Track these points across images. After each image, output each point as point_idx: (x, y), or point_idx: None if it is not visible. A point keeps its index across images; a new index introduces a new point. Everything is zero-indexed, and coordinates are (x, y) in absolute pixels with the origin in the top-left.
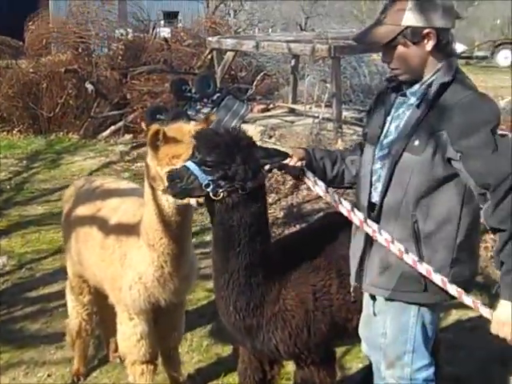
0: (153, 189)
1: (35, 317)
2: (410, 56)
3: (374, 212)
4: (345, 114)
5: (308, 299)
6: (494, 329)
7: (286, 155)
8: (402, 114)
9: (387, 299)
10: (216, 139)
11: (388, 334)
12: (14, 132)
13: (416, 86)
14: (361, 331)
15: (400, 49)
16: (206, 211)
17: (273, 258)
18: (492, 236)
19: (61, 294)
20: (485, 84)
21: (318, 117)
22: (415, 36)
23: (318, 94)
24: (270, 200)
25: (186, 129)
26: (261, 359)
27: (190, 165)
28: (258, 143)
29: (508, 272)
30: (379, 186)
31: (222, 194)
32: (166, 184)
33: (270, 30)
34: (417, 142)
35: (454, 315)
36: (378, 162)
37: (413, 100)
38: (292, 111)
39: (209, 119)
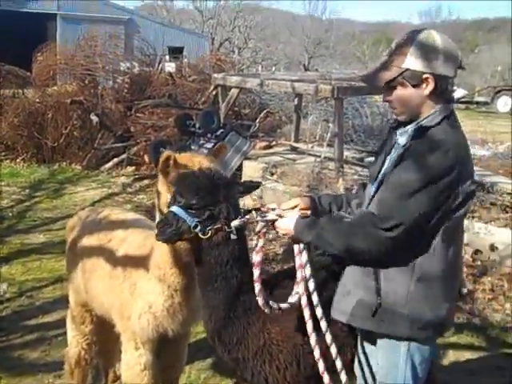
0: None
1: (34, 345)
2: (408, 97)
3: None
4: (346, 153)
5: (295, 333)
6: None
7: (258, 184)
8: (394, 155)
9: (375, 334)
10: (197, 182)
11: (379, 373)
12: (18, 160)
13: (407, 128)
14: (356, 369)
15: (399, 89)
16: None
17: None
18: (490, 279)
19: (60, 323)
20: (484, 129)
21: (319, 156)
22: (414, 79)
23: (320, 133)
24: (270, 236)
25: (195, 157)
26: None
27: (177, 210)
28: (260, 180)
29: (317, 229)
30: None
31: (210, 233)
32: (156, 231)
33: (274, 68)
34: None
35: (452, 356)
36: (367, 199)
37: (401, 140)
38: (294, 149)
39: (221, 149)
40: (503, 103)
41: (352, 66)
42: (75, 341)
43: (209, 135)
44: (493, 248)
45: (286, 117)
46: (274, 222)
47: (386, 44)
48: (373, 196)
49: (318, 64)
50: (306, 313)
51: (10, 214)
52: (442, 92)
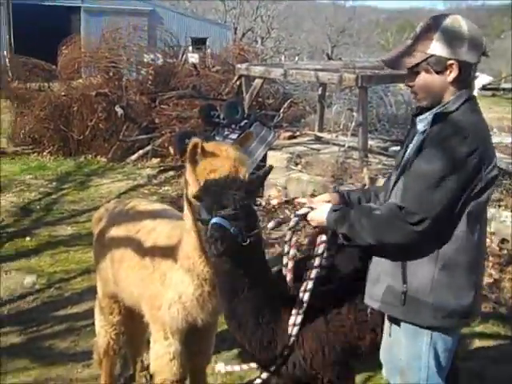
0: (191, 205)
1: (64, 335)
2: (432, 83)
3: None
4: (370, 143)
5: (319, 324)
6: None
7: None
8: (414, 142)
9: (401, 321)
10: (230, 193)
11: (403, 360)
12: (45, 153)
13: (426, 114)
14: (382, 355)
15: (423, 75)
16: None
17: (277, 294)
18: None
19: (88, 314)
20: (511, 116)
21: (343, 145)
22: (438, 65)
23: (344, 122)
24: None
25: (222, 145)
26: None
27: (220, 221)
28: (284, 170)
29: (349, 221)
30: None
31: (249, 240)
32: (209, 248)
33: (297, 57)
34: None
35: (477, 344)
36: (391, 185)
37: (420, 126)
38: (318, 139)
39: (248, 137)
40: None
41: (376, 54)
42: (103, 331)
43: (233, 126)
44: None
45: (310, 107)
46: (306, 215)
47: (410, 31)
48: (395, 183)
49: (341, 53)
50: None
51: (38, 207)
52: (465, 79)
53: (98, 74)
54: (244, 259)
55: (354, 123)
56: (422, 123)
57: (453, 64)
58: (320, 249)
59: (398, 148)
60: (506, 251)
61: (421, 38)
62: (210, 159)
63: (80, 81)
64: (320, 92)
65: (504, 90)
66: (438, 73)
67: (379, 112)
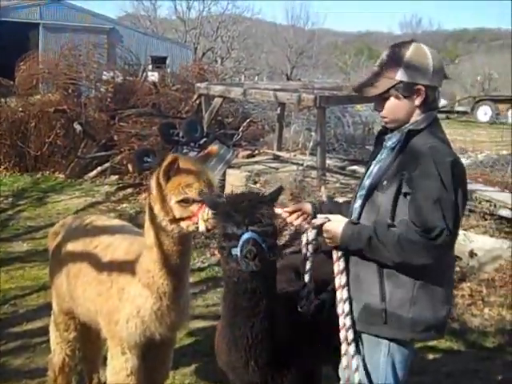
0: (153, 221)
1: (18, 352)
2: (400, 108)
3: None
4: (328, 162)
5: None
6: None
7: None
8: (382, 158)
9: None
10: (262, 208)
11: (361, 371)
12: (0, 169)
13: (395, 132)
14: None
15: (392, 100)
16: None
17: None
18: (469, 284)
19: (44, 331)
20: (463, 138)
21: (302, 164)
22: (407, 90)
23: (302, 141)
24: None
25: (192, 161)
26: None
27: (256, 236)
28: (243, 188)
29: (368, 237)
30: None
31: (275, 255)
32: (247, 263)
33: (257, 77)
34: (385, 182)
35: (431, 358)
36: (358, 201)
37: (389, 143)
38: (277, 158)
39: (212, 152)
40: (483, 113)
41: (334, 76)
42: (59, 348)
43: (192, 144)
44: (472, 254)
45: (269, 126)
46: (322, 224)
47: (367, 54)
48: (368, 197)
49: (300, 74)
50: (343, 321)
51: None
52: (430, 101)
53: (56, 90)
54: (266, 277)
55: (312, 142)
56: (391, 140)
57: (420, 89)
58: (341, 264)
59: (356, 167)
60: (458, 268)
61: (388, 66)
62: (182, 174)
63: (38, 97)
64: (279, 112)
65: (458, 112)
66: (406, 97)
67: (337, 132)
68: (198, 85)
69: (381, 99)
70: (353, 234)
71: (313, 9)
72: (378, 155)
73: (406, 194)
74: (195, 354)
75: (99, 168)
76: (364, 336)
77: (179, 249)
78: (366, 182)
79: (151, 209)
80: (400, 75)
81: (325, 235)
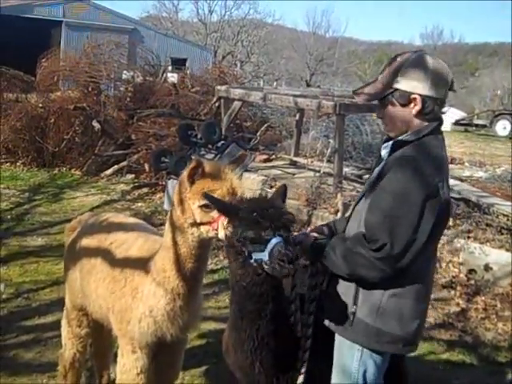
0: (173, 223)
1: (29, 345)
2: (397, 115)
3: None
4: (345, 170)
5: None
6: None
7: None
8: (379, 167)
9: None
10: (288, 216)
11: (334, 374)
12: (18, 164)
13: (389, 142)
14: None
15: (389, 107)
16: None
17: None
18: (483, 298)
19: (55, 325)
20: (482, 151)
21: (319, 171)
22: (402, 99)
23: (320, 148)
24: None
25: (220, 166)
26: None
27: (283, 242)
28: (259, 192)
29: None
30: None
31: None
32: (281, 267)
33: (275, 83)
34: (369, 191)
35: (443, 371)
36: (351, 208)
37: (383, 153)
38: (293, 163)
39: (243, 157)
40: (502, 127)
41: (353, 84)
42: (70, 343)
43: (210, 146)
44: (487, 268)
45: (287, 131)
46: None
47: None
48: (355, 205)
49: (319, 81)
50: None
51: (9, 217)
52: (429, 112)
53: (76, 87)
54: (275, 281)
55: (329, 149)
56: (385, 150)
57: (416, 98)
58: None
59: None
60: (473, 281)
61: (387, 73)
62: (207, 179)
63: (58, 94)
64: (297, 118)
65: (477, 125)
66: (402, 105)
67: (355, 140)
68: (218, 87)
69: (381, 106)
70: (315, 248)
71: (335, 16)
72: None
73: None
74: (205, 355)
75: (116, 166)
76: (338, 337)
77: (197, 253)
78: (362, 191)
79: (172, 211)
80: (396, 83)
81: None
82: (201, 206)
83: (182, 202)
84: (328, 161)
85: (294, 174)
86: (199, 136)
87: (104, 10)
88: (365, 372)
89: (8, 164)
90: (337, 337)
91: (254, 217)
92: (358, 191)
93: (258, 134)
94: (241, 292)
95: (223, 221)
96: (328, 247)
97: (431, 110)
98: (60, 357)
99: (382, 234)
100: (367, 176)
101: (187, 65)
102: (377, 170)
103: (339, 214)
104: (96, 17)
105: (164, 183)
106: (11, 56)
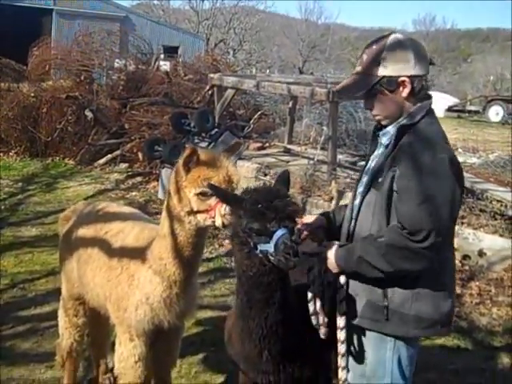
0: (170, 211)
1: (26, 336)
2: (388, 103)
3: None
4: (339, 157)
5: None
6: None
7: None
8: (379, 153)
9: (366, 329)
10: (293, 207)
11: (368, 366)
12: (11, 154)
13: (388, 128)
14: (350, 365)
15: (378, 97)
16: None
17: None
18: (477, 283)
19: (52, 315)
20: (475, 137)
21: (312, 158)
22: (391, 85)
23: (313, 136)
24: None
25: (214, 154)
26: None
27: (288, 233)
28: (253, 180)
29: (356, 255)
30: (353, 220)
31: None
32: (287, 259)
33: (268, 70)
34: (380, 179)
35: (438, 356)
36: (358, 198)
37: (383, 140)
38: (287, 151)
39: (237, 146)
40: (495, 113)
41: (346, 71)
42: (67, 332)
43: (203, 134)
44: (481, 254)
45: (280, 119)
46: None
47: None
48: (363, 197)
49: (312, 68)
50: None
51: (3, 207)
52: (418, 91)
53: (68, 76)
54: (282, 270)
55: (323, 137)
56: (386, 136)
57: (404, 81)
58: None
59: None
60: (467, 267)
61: (369, 63)
62: (203, 167)
63: (50, 83)
64: (291, 105)
65: (469, 112)
66: (391, 92)
67: (348, 127)
68: (211, 75)
69: (368, 97)
70: (343, 256)
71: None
72: (376, 151)
73: (396, 192)
74: (203, 343)
75: (109, 155)
76: (369, 333)
77: (194, 241)
78: (364, 179)
79: (168, 199)
80: (381, 71)
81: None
82: (197, 194)
83: (178, 190)
84: (322, 148)
85: (287, 162)
86: (192, 124)
87: None
88: (399, 359)
89: (1, 154)
90: (368, 332)
91: (259, 208)
92: (352, 178)
93: (252, 121)
94: (248, 282)
95: (220, 209)
96: (358, 252)
97: (421, 88)
98: (57, 346)
99: (424, 223)
100: (362, 163)
101: (179, 52)
102: (380, 157)
103: (333, 202)
104: (87, 5)
105: (158, 172)
106: (2, 45)
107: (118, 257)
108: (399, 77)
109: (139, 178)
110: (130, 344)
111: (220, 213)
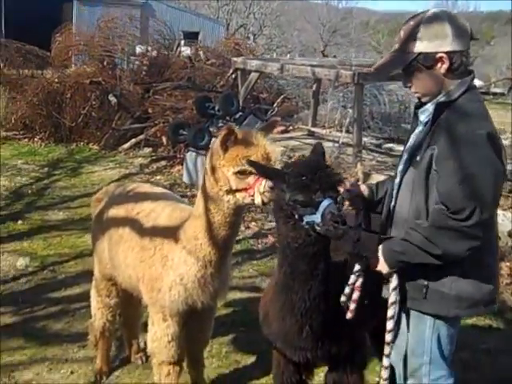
0: (206, 191)
1: (58, 316)
2: (426, 80)
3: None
4: (364, 139)
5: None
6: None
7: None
8: (418, 131)
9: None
10: (336, 176)
11: (408, 345)
12: (36, 139)
13: (427, 105)
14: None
15: (416, 74)
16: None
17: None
18: (508, 264)
19: (82, 297)
20: (502, 119)
21: (337, 141)
22: (428, 61)
23: (339, 118)
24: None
25: (252, 132)
26: (296, 363)
27: (334, 203)
28: (278, 163)
29: (403, 247)
30: (393, 199)
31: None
32: (334, 228)
33: (288, 55)
34: (418, 157)
35: (470, 336)
36: (398, 177)
37: (422, 118)
38: (311, 134)
39: (274, 124)
40: None
41: (368, 54)
42: (100, 313)
43: (227, 118)
44: (511, 234)
45: (303, 102)
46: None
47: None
48: (402, 176)
49: (333, 52)
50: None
51: (30, 192)
52: (458, 67)
53: (91, 62)
54: (325, 241)
55: (348, 119)
56: (424, 114)
57: (442, 57)
58: (392, 297)
59: (392, 145)
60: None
61: (405, 40)
62: (241, 146)
63: (73, 69)
64: (314, 88)
65: (494, 94)
66: (429, 68)
67: (373, 110)
68: (235, 59)
69: (407, 74)
70: (392, 254)
71: None
72: (416, 128)
73: (436, 171)
74: (233, 324)
75: (133, 140)
76: (412, 311)
77: (232, 220)
78: (404, 158)
79: (205, 179)
80: (418, 47)
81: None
82: (236, 173)
83: (214, 170)
84: (346, 131)
85: (312, 145)
86: (217, 108)
87: None
88: (438, 337)
89: (26, 140)
90: (408, 311)
91: (304, 180)
92: (377, 161)
93: (275, 105)
94: (293, 253)
95: (259, 186)
96: (404, 239)
97: (460, 65)
98: (90, 327)
99: (466, 201)
100: (387, 145)
101: (199, 38)
102: (418, 135)
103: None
104: None
105: (182, 156)
106: (25, 32)
107: (151, 237)
108: (436, 53)
109: (163, 162)
110: (164, 324)
111: (259, 190)
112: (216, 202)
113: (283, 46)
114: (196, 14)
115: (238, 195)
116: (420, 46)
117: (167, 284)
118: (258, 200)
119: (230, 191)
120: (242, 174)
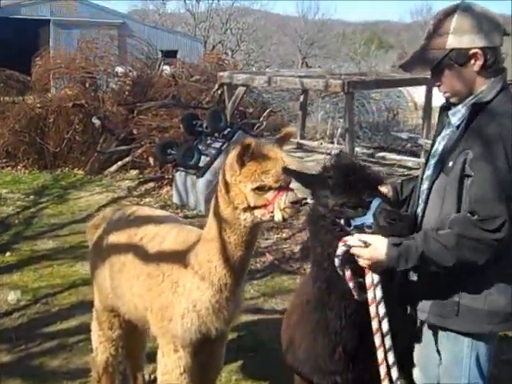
0: (218, 211)
1: (54, 352)
2: (458, 78)
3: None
4: (356, 149)
5: None
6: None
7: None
8: (447, 134)
9: (439, 327)
10: (378, 176)
11: (443, 365)
12: (19, 167)
13: (459, 107)
14: (416, 358)
15: (447, 72)
16: None
17: None
18: None
19: (79, 329)
20: None
21: (328, 153)
22: (460, 58)
23: (330, 129)
24: (284, 235)
25: (268, 145)
26: None
27: (383, 202)
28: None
29: (418, 252)
30: (421, 206)
31: None
32: (389, 226)
33: (267, 69)
34: (450, 163)
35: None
36: (425, 183)
37: (453, 120)
38: (300, 147)
39: (288, 135)
40: None
41: (345, 66)
42: (102, 347)
43: (216, 134)
44: None
45: (289, 115)
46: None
47: (377, 43)
48: (433, 181)
49: (312, 64)
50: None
51: (17, 221)
52: (492, 64)
53: (73, 85)
54: None
55: (339, 130)
56: (456, 116)
57: (476, 53)
58: (378, 292)
59: (384, 154)
60: None
61: (436, 35)
62: (258, 160)
63: (53, 92)
64: (302, 99)
65: None
66: (461, 65)
67: (361, 119)
68: (221, 74)
69: (436, 73)
70: (400, 255)
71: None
72: (443, 131)
73: (468, 176)
74: (239, 349)
75: (119, 163)
76: (442, 332)
77: (247, 239)
78: (432, 162)
79: (217, 198)
80: (450, 43)
81: (361, 262)
82: (254, 189)
83: (229, 187)
84: (338, 143)
85: (302, 158)
86: (205, 125)
87: (91, 5)
88: (477, 356)
89: (9, 168)
90: (439, 330)
91: (351, 181)
92: None
93: (262, 119)
94: (333, 266)
95: (279, 202)
96: (419, 247)
97: (494, 62)
98: (92, 362)
99: (499, 211)
100: (379, 154)
101: (178, 56)
102: (449, 139)
103: None
104: (84, 13)
105: (170, 177)
106: (4, 57)
107: (157, 263)
108: (470, 49)
109: (151, 184)
110: (175, 355)
111: (279, 206)
112: (231, 221)
113: (261, 60)
114: (173, 32)
115: (257, 212)
116: (452, 42)
117: (179, 312)
118: (278, 216)
119: (248, 208)
120: (260, 189)
